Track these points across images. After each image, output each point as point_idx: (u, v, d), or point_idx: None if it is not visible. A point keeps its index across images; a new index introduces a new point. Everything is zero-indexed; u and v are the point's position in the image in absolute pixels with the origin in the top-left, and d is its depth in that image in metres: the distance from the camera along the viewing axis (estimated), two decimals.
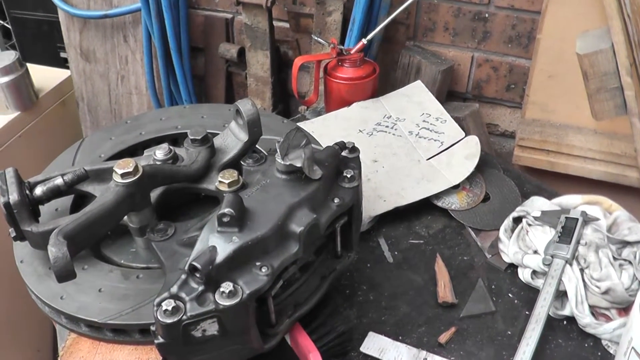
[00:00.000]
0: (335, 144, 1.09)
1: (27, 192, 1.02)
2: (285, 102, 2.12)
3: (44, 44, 2.58)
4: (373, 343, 1.15)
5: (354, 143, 1.10)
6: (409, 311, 1.21)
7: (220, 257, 0.89)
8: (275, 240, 0.93)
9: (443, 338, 1.15)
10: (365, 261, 1.31)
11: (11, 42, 2.78)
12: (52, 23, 2.43)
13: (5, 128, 2.00)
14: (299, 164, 0.97)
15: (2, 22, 2.81)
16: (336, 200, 1.02)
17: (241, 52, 2.01)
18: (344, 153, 1.09)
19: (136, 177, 0.98)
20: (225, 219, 0.90)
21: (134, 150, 1.27)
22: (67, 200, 1.15)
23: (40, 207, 1.06)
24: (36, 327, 2.11)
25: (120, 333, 1.00)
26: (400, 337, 1.16)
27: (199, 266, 0.86)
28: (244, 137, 1.12)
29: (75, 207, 1.14)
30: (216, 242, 0.90)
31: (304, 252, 0.96)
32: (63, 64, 2.45)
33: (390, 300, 1.23)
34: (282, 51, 2.04)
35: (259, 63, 1.95)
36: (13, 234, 1.02)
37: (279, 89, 2.04)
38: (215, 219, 0.91)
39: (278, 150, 0.98)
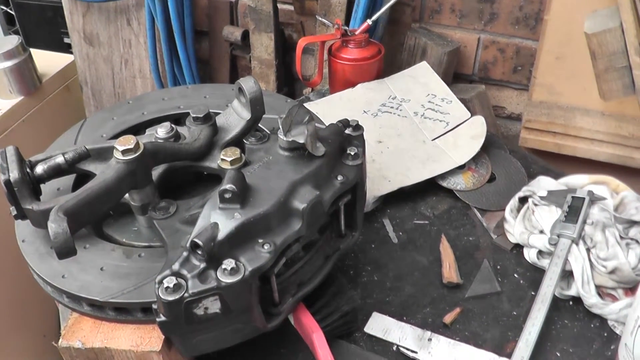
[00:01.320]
0: (339, 121, 1.08)
1: (28, 170, 1.01)
2: (290, 85, 2.10)
3: (47, 29, 2.57)
4: (377, 323, 1.14)
5: (357, 121, 1.09)
6: (413, 292, 1.20)
7: (222, 233, 0.88)
8: (278, 217, 0.92)
9: (448, 318, 1.14)
10: (370, 242, 1.30)
11: (15, 28, 2.77)
12: (55, 9, 2.42)
13: (9, 113, 1.99)
14: (301, 140, 0.95)
15: (5, 8, 2.79)
16: (340, 178, 1.00)
17: (245, 35, 2.00)
18: (347, 131, 1.08)
19: (137, 154, 0.97)
20: (227, 195, 0.89)
21: (136, 130, 1.26)
22: (69, 180, 1.14)
23: (42, 186, 1.05)
24: (42, 313, 2.10)
25: (122, 312, 0.99)
26: (404, 318, 1.15)
27: (200, 243, 0.86)
28: (246, 115, 1.10)
29: (77, 187, 1.12)
30: (218, 218, 0.89)
31: (307, 229, 0.94)
32: (67, 49, 2.44)
33: (395, 281, 1.22)
34: (287, 34, 2.02)
35: (263, 46, 1.93)
36: (14, 213, 1.01)
37: (283, 72, 2.03)
38: (217, 196, 0.90)
39: (280, 126, 0.97)
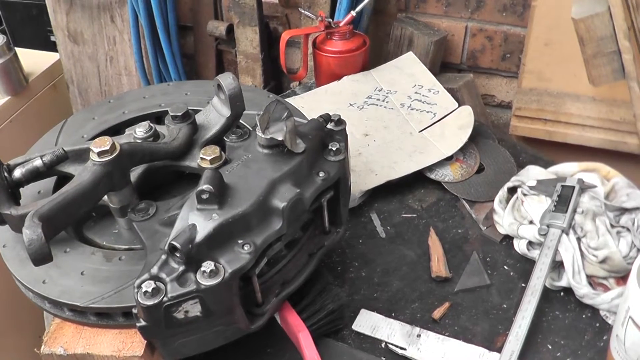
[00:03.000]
0: (320, 116, 1.06)
1: (6, 174, 0.99)
2: (278, 79, 2.08)
3: (33, 28, 2.55)
4: (365, 320, 1.12)
5: (339, 115, 1.07)
6: (402, 287, 1.18)
7: (200, 235, 0.86)
8: (258, 216, 0.91)
9: (437, 313, 1.13)
10: (357, 237, 1.28)
11: (1, 26, 2.75)
12: (41, 7, 2.40)
13: None
14: (280, 137, 0.94)
15: None
16: (321, 174, 0.99)
17: (230, 29, 1.98)
18: (329, 126, 1.06)
19: (113, 156, 0.95)
20: (204, 196, 0.88)
21: (117, 130, 1.24)
22: (49, 183, 1.12)
23: (23, 189, 1.04)
24: (36, 313, 2.09)
25: (103, 317, 0.98)
26: (393, 314, 1.13)
27: (178, 245, 0.84)
28: (226, 112, 1.08)
29: (57, 189, 1.10)
30: (196, 220, 0.88)
31: (289, 228, 0.93)
32: (53, 47, 2.42)
33: (383, 276, 1.20)
34: (272, 27, 2.00)
35: (248, 40, 1.91)
36: None
37: (270, 66, 2.00)
38: (195, 197, 0.88)
39: (258, 123, 0.95)
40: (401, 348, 1.07)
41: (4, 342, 2.05)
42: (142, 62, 2.05)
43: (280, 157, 0.96)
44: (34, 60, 2.17)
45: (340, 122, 1.07)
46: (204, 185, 0.87)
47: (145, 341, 0.95)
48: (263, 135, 0.95)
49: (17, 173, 1.01)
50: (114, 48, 2.11)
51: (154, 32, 1.96)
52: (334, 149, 1.02)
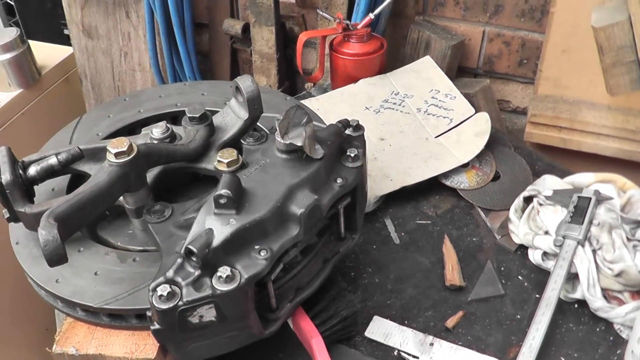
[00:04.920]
0: (339, 121, 1.05)
1: (21, 171, 0.99)
2: (292, 79, 2.07)
3: (47, 21, 2.55)
4: (378, 327, 1.12)
5: (358, 121, 1.07)
6: (415, 294, 1.18)
7: (217, 240, 0.86)
8: (275, 222, 0.90)
9: (450, 322, 1.12)
10: (371, 242, 1.27)
11: (14, 19, 2.75)
12: (55, 0, 2.40)
13: (7, 105, 1.97)
14: (299, 143, 0.93)
15: None
16: (339, 181, 0.98)
17: (246, 28, 1.97)
18: (347, 131, 1.05)
19: (130, 157, 0.94)
20: (222, 201, 0.87)
21: (132, 129, 1.23)
22: (64, 180, 1.12)
23: (37, 187, 1.03)
24: (43, 307, 2.09)
25: (116, 318, 0.97)
26: (406, 322, 1.13)
27: (195, 250, 0.83)
28: (244, 114, 1.08)
29: (71, 187, 1.11)
30: (213, 224, 0.87)
31: (305, 234, 0.92)
32: (67, 41, 2.41)
33: (396, 283, 1.20)
34: (288, 27, 1.99)
35: (264, 39, 1.90)
36: (6, 215, 0.99)
37: (284, 66, 2.00)
38: (212, 201, 0.88)
39: (277, 128, 0.94)
40: (414, 356, 1.07)
41: (11, 335, 2.05)
42: (157, 58, 2.04)
43: (298, 162, 0.95)
44: (47, 54, 2.16)
45: (358, 127, 1.06)
46: (222, 190, 0.87)
47: (158, 344, 0.95)
48: (282, 141, 0.94)
49: (32, 171, 1.00)
50: (129, 44, 2.10)
51: (170, 29, 1.96)
52: (352, 155, 1.01)
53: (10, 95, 1.99)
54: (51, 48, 2.22)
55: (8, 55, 1.95)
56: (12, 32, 1.96)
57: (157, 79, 2.08)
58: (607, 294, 1.13)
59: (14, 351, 2.08)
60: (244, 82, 1.05)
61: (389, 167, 1.37)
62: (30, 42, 2.03)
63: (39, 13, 2.54)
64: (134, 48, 2.11)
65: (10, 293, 1.98)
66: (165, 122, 1.08)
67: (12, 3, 2.67)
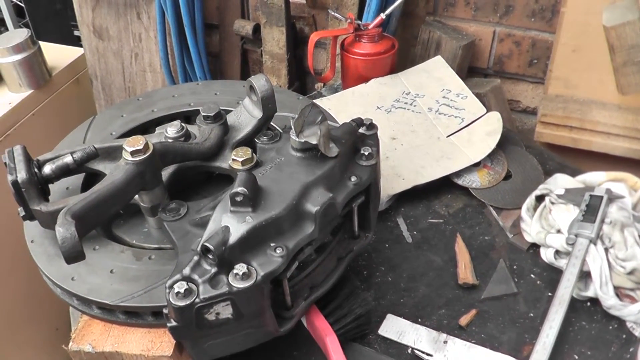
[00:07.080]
0: (352, 120, 1.06)
1: (36, 170, 1.00)
2: (302, 80, 2.08)
3: (57, 22, 2.56)
4: (392, 325, 1.12)
5: (371, 119, 1.07)
6: (428, 293, 1.18)
7: (233, 237, 0.86)
8: (290, 220, 0.90)
9: (464, 320, 1.12)
10: (383, 241, 1.28)
11: (24, 20, 2.76)
12: (65, 1, 2.42)
13: (18, 106, 1.98)
14: (314, 141, 0.93)
15: (15, 0, 2.78)
16: (353, 179, 0.98)
17: (256, 29, 1.98)
18: (361, 130, 1.06)
19: (146, 155, 0.95)
20: (238, 199, 0.88)
21: (145, 128, 1.24)
22: (78, 179, 1.12)
23: (51, 185, 1.04)
24: (54, 306, 2.10)
25: (132, 315, 0.98)
26: (419, 320, 1.13)
27: (211, 247, 0.84)
28: (257, 113, 1.08)
29: (86, 186, 1.11)
30: (229, 222, 0.88)
31: (320, 232, 0.93)
32: (77, 42, 2.42)
33: (409, 282, 1.20)
34: (298, 27, 2.00)
35: (275, 40, 1.91)
36: (22, 214, 1.00)
37: (295, 66, 2.00)
38: (228, 199, 0.88)
39: (293, 127, 0.95)
40: (427, 354, 1.07)
41: (21, 335, 2.05)
42: (168, 59, 2.05)
43: (313, 160, 0.96)
44: (57, 55, 2.17)
45: (372, 126, 1.06)
46: (238, 188, 0.87)
47: (175, 341, 0.95)
48: (297, 139, 0.95)
49: (47, 169, 1.01)
50: (140, 45, 2.11)
51: (181, 30, 1.96)
52: (366, 153, 1.01)
53: (21, 96, 2.00)
54: (62, 49, 2.23)
55: (19, 56, 1.95)
56: (23, 33, 1.97)
57: (168, 80, 2.09)
58: (619, 292, 1.13)
59: (24, 351, 2.09)
60: (258, 81, 1.05)
61: (401, 167, 1.37)
62: (41, 43, 2.04)
63: (49, 14, 2.55)
64: (145, 49, 2.11)
65: (21, 293, 1.99)
66: (179, 121, 1.09)
67: (22, 4, 2.68)
